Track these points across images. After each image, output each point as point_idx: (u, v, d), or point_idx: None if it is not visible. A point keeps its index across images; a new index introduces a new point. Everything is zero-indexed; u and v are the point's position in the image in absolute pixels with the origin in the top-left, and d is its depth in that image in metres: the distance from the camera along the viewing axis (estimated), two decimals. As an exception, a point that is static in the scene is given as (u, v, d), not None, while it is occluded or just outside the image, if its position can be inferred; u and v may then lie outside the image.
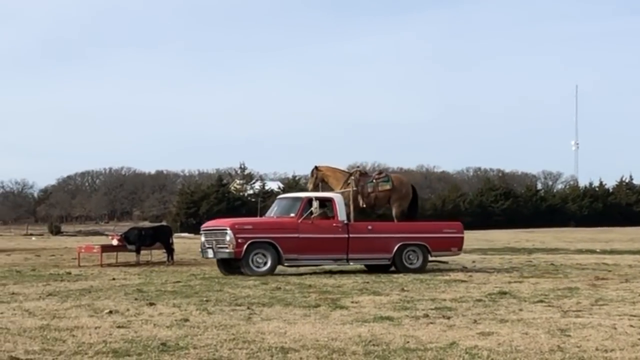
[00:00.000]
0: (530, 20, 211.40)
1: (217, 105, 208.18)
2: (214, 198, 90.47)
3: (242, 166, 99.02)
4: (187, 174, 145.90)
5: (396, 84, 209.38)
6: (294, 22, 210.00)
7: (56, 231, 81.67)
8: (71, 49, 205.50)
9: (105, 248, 30.63)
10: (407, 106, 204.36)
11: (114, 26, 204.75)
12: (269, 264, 23.61)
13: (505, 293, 17.78)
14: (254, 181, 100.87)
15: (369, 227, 24.96)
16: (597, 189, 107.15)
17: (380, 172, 28.08)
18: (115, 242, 30.63)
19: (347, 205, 25.03)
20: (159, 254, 32.32)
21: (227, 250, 23.61)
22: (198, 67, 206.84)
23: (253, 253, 23.53)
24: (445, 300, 16.56)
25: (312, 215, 23.99)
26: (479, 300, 16.44)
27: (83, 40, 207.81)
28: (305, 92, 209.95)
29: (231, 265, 24.06)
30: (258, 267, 23.54)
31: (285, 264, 24.17)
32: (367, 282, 20.75)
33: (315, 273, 24.52)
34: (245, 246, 23.43)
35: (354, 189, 25.65)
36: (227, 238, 23.58)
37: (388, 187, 26.13)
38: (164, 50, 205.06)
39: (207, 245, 24.29)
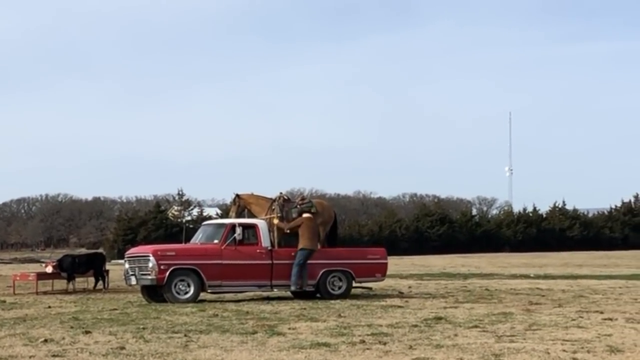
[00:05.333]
0: (463, 46, 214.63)
1: (154, 132, 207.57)
2: (151, 224, 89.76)
3: (180, 192, 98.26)
4: (125, 200, 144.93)
5: (333, 110, 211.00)
6: (231, 49, 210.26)
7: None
8: (5, 75, 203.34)
9: (41, 276, 30.27)
10: (344, 132, 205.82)
11: (48, 51, 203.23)
12: (192, 291, 23.45)
13: (440, 318, 17.95)
14: (191, 207, 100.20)
15: (293, 254, 24.78)
16: (530, 214, 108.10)
17: (303, 198, 28.06)
18: (49, 270, 30.32)
19: (271, 231, 25.03)
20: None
21: (150, 277, 23.39)
22: (136, 93, 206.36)
23: (176, 280, 23.37)
24: (381, 325, 16.67)
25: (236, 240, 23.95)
26: (415, 326, 16.58)
27: (17, 65, 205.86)
28: (243, 118, 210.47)
29: (156, 293, 23.80)
30: (181, 294, 23.38)
31: (209, 291, 24.07)
32: (305, 309, 20.82)
33: (252, 299, 24.52)
34: (167, 273, 23.23)
35: (279, 215, 25.66)
36: (150, 265, 23.39)
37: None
38: (101, 76, 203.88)
39: (131, 272, 24.05)
